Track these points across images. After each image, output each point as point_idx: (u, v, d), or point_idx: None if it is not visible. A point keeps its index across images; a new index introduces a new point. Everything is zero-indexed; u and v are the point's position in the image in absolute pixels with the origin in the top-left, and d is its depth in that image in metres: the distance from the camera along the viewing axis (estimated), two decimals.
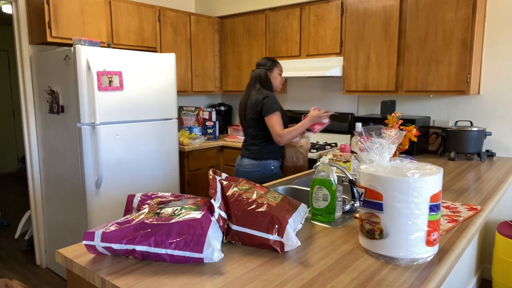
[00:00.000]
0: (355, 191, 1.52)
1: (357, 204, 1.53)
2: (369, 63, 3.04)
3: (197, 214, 1.13)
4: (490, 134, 2.67)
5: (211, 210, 1.19)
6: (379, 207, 1.08)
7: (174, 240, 1.06)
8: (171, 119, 3.19)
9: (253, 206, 1.21)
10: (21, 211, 4.71)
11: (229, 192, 1.27)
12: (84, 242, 1.09)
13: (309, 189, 1.69)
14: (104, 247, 1.09)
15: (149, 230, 1.08)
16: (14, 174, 6.69)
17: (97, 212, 2.76)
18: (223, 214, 1.21)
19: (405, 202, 1.04)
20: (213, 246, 1.05)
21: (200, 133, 3.92)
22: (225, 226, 1.22)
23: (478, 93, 2.88)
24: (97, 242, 1.09)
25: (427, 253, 1.08)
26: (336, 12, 3.21)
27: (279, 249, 1.15)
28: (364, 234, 1.14)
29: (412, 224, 1.05)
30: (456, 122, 2.89)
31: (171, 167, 3.20)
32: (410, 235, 1.06)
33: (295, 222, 1.24)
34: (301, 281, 0.99)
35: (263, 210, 1.20)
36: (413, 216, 1.05)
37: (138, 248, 1.07)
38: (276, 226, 1.16)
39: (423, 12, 2.73)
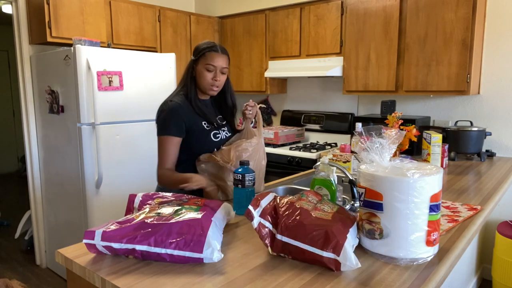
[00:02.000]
0: (355, 191, 1.51)
1: (357, 204, 1.53)
2: (369, 63, 3.04)
3: (197, 214, 1.13)
4: (490, 134, 2.67)
5: (211, 211, 1.18)
6: (379, 207, 1.08)
7: (174, 240, 1.06)
8: None
9: (307, 217, 1.10)
10: (21, 211, 4.70)
11: (282, 201, 1.18)
12: (85, 240, 1.09)
13: (309, 189, 1.68)
14: (104, 246, 1.09)
15: (149, 229, 1.08)
16: (14, 174, 6.69)
17: (97, 212, 2.76)
18: (267, 223, 1.12)
19: (405, 202, 1.04)
20: (213, 246, 1.05)
21: None
22: (273, 237, 1.12)
23: (478, 93, 2.88)
24: (97, 241, 1.08)
25: (427, 253, 1.08)
26: (336, 12, 3.21)
27: (334, 268, 1.03)
28: (364, 234, 1.14)
29: (412, 224, 1.05)
30: (456, 122, 2.89)
31: None
32: (410, 235, 1.06)
33: (352, 238, 1.10)
34: (301, 281, 0.99)
35: (318, 222, 1.09)
36: (413, 216, 1.05)
37: (138, 247, 1.07)
38: (332, 242, 1.03)
39: (423, 12, 2.73)
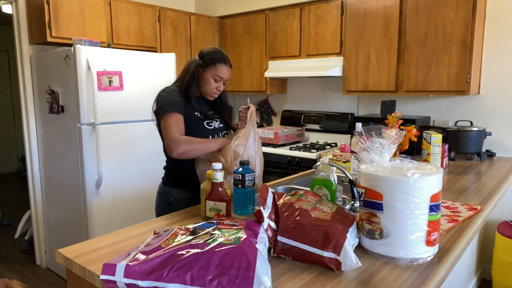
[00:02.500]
0: (355, 191, 1.51)
1: (357, 204, 1.53)
2: (369, 63, 3.04)
3: (238, 239, 0.94)
4: (490, 134, 2.67)
5: (259, 221, 1.08)
6: (379, 207, 1.08)
7: (215, 277, 0.86)
8: None
9: (307, 218, 1.09)
10: (21, 211, 4.70)
11: (280, 201, 1.16)
12: (103, 276, 0.89)
13: (309, 189, 1.68)
14: (127, 284, 0.88)
15: (183, 263, 0.88)
16: (14, 174, 6.69)
17: (97, 212, 2.76)
18: (273, 225, 1.09)
19: (405, 202, 1.04)
20: (264, 284, 0.86)
21: None
22: (274, 238, 1.10)
23: (478, 93, 2.88)
24: (119, 278, 0.88)
25: (427, 253, 1.08)
26: (336, 12, 3.21)
27: (334, 268, 1.03)
28: (364, 234, 1.14)
29: (412, 224, 1.05)
30: (456, 122, 2.89)
31: None
32: (410, 235, 1.06)
33: (352, 237, 1.11)
34: (301, 281, 0.99)
35: (318, 223, 1.08)
36: (413, 216, 1.05)
37: (171, 286, 0.87)
38: (332, 241, 1.03)
39: (423, 12, 2.73)
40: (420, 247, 1.07)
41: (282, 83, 3.95)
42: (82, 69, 2.61)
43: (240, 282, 0.85)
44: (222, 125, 1.88)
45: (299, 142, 3.69)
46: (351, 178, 1.50)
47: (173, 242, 0.96)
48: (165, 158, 1.87)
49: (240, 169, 1.47)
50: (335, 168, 1.50)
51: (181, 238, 0.98)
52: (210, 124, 1.80)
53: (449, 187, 1.93)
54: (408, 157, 2.25)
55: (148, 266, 0.88)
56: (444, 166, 2.36)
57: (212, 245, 0.92)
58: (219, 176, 1.37)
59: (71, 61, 2.64)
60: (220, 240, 0.95)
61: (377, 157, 1.14)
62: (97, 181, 2.73)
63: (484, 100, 2.88)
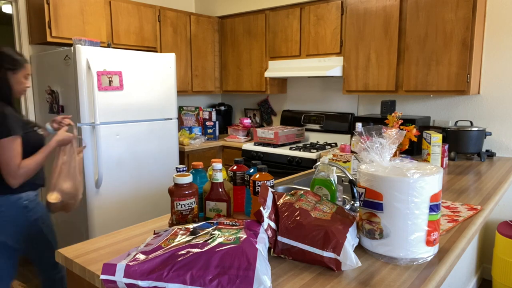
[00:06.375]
0: (355, 191, 1.51)
1: (357, 204, 1.53)
2: (369, 63, 3.04)
3: (238, 239, 0.94)
4: (490, 134, 2.67)
5: (259, 221, 1.08)
6: (379, 207, 1.08)
7: (215, 277, 0.86)
8: (171, 119, 3.19)
9: (307, 218, 1.09)
10: None
11: (280, 201, 1.17)
12: (103, 276, 0.89)
13: (309, 189, 1.68)
14: (127, 284, 0.88)
15: (183, 262, 0.88)
16: None
17: (97, 212, 2.76)
18: (273, 225, 1.10)
19: (405, 202, 1.04)
20: (264, 284, 0.87)
21: (200, 133, 3.92)
22: (274, 238, 1.10)
23: (478, 93, 2.88)
24: (119, 277, 0.88)
25: (427, 253, 1.08)
26: (336, 12, 3.21)
27: (334, 268, 1.04)
28: (364, 234, 1.14)
29: (412, 224, 1.05)
30: (456, 122, 2.89)
31: (171, 167, 3.20)
32: (410, 235, 1.06)
33: (352, 237, 1.11)
34: (301, 281, 0.99)
35: (318, 223, 1.08)
36: (413, 216, 1.05)
37: (171, 286, 0.87)
38: (332, 241, 1.03)
39: (423, 12, 2.73)
40: (420, 247, 1.07)
41: (282, 83, 3.95)
42: (82, 69, 2.61)
43: (240, 282, 0.85)
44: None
45: (299, 142, 3.69)
46: (351, 178, 1.50)
47: (173, 242, 0.96)
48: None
49: (251, 170, 1.47)
50: (335, 168, 1.49)
51: (181, 238, 0.98)
52: (39, 129, 1.99)
53: (449, 187, 1.93)
54: (408, 157, 2.25)
55: (148, 266, 0.88)
56: (444, 166, 2.36)
57: (212, 245, 0.92)
58: (219, 177, 1.37)
59: (71, 61, 2.64)
60: (220, 240, 0.95)
61: (377, 157, 1.14)
62: (97, 181, 2.73)
63: (484, 100, 2.88)
